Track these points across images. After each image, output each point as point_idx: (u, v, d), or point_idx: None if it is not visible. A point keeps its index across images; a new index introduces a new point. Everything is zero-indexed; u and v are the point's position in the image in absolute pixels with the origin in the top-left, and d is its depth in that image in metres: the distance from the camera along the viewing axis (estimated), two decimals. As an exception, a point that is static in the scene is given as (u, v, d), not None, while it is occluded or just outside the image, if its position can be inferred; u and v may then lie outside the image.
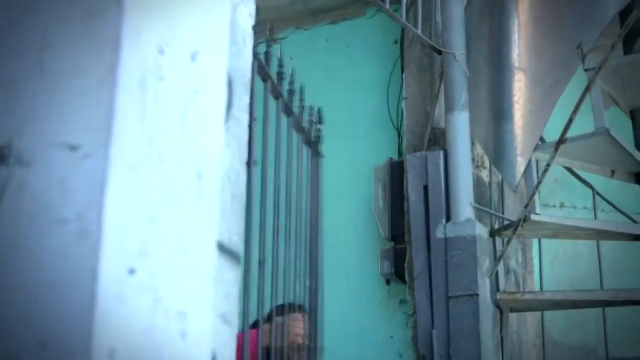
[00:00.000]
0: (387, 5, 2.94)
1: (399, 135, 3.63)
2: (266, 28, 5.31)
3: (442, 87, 3.18)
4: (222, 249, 1.55)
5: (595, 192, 3.83)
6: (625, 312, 3.69)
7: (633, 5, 3.08)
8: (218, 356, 1.47)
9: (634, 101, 3.07)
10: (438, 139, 3.23)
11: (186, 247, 1.06)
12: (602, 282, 3.82)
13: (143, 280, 0.95)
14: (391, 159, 3.47)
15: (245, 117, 1.69)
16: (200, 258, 1.10)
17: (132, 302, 0.93)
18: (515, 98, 3.00)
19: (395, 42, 3.81)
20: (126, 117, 0.96)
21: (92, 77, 0.95)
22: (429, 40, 3.17)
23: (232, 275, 1.56)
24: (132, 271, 0.93)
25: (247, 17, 1.77)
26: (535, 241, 3.84)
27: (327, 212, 2.50)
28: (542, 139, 3.14)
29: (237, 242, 1.60)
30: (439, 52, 3.16)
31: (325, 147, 4.07)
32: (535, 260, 3.88)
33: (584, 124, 3.06)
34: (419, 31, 3.12)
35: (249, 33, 1.76)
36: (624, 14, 3.21)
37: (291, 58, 4.83)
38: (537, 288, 3.70)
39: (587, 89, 2.65)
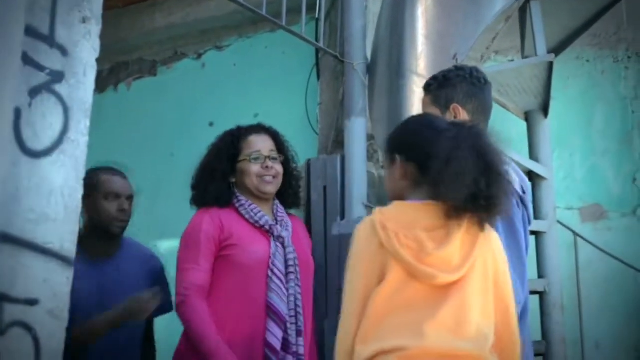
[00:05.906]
0: (284, 22, 3.17)
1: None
2: (213, 36, 5.51)
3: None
4: (53, 254, 1.84)
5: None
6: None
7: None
8: (44, 347, 1.75)
9: (523, 105, 3.25)
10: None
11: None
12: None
13: None
14: (309, 160, 3.69)
15: (83, 140, 1.95)
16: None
17: None
18: (411, 103, 3.20)
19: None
20: None
21: None
22: (331, 51, 3.40)
23: (63, 277, 1.84)
24: None
25: (90, 51, 2.03)
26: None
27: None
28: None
29: (69, 247, 1.87)
30: (342, 62, 3.39)
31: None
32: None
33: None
34: (322, 43, 3.35)
35: (92, 65, 2.01)
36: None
37: (234, 65, 5.09)
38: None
39: (460, 96, 2.85)
